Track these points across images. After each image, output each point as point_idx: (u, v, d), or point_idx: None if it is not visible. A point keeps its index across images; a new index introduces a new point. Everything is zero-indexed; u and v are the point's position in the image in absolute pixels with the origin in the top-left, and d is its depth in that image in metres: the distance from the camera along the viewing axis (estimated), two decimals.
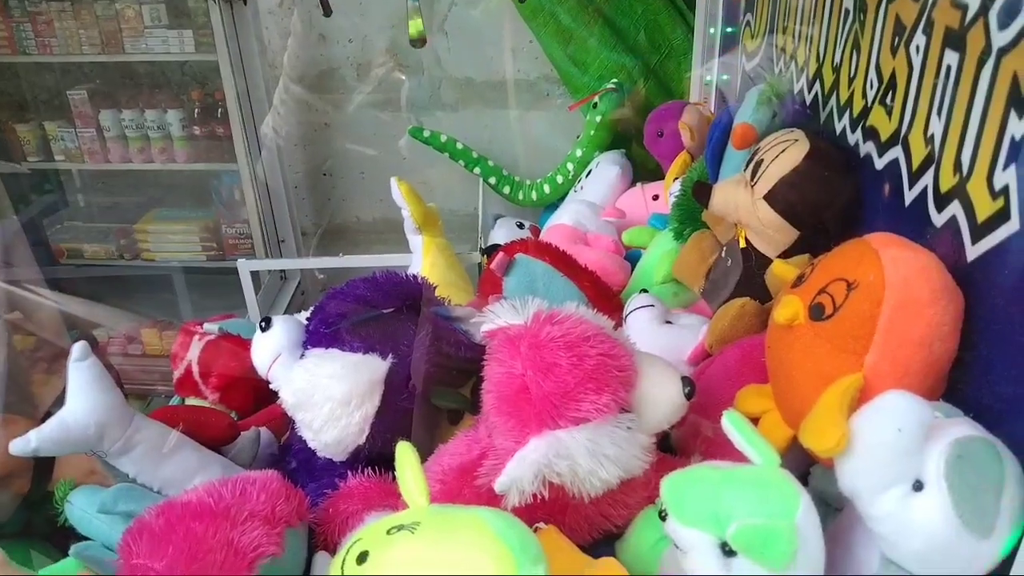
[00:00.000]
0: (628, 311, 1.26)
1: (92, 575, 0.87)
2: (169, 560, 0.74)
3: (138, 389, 2.71)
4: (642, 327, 1.21)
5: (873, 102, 0.98)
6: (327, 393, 0.93)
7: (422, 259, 1.60)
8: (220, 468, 1.03)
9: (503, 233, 2.15)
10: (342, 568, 0.67)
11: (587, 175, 2.19)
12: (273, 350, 1.06)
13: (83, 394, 0.92)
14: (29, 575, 0.82)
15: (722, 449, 0.73)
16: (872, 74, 0.98)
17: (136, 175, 2.90)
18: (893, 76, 0.92)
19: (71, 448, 0.93)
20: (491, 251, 1.96)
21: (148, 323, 2.95)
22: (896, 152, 0.91)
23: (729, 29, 1.89)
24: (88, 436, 0.92)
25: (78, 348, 0.94)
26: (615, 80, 2.27)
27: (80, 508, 0.92)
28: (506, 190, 2.44)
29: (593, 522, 0.90)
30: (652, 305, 1.24)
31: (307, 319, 1.05)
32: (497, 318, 0.86)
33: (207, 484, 0.85)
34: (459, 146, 2.40)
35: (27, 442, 0.89)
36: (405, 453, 0.75)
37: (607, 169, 2.13)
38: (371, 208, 2.94)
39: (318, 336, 1.01)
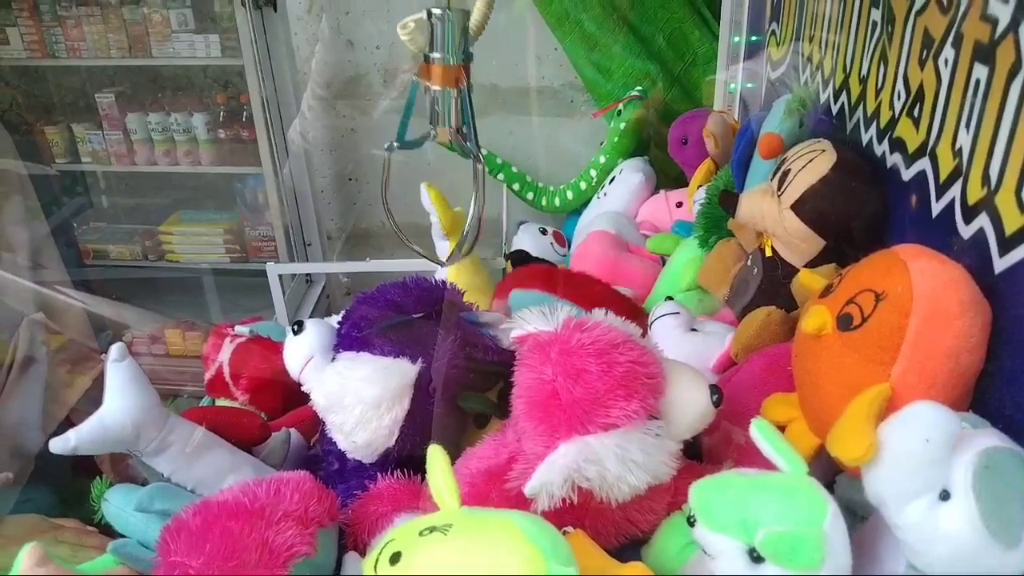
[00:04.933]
0: (653, 318, 1.26)
1: (129, 572, 0.89)
2: (206, 558, 0.75)
3: (162, 389, 2.74)
4: (668, 334, 1.21)
5: (900, 114, 0.98)
6: (358, 396, 0.94)
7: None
8: (252, 468, 1.04)
9: (526, 239, 2.16)
10: (375, 568, 0.68)
11: (610, 182, 2.20)
12: (305, 353, 1.07)
13: (121, 394, 0.94)
14: (69, 573, 0.84)
15: (753, 457, 0.74)
16: (900, 86, 0.99)
17: (161, 177, 2.94)
18: (921, 88, 0.92)
19: (109, 447, 0.94)
20: (515, 256, 1.97)
21: (172, 324, 2.98)
22: (924, 164, 0.91)
23: (754, 37, 1.89)
24: (125, 435, 0.94)
25: (116, 349, 0.95)
26: (639, 87, 2.27)
27: (117, 506, 0.93)
28: (529, 196, 2.45)
29: (620, 527, 0.90)
30: (678, 312, 1.25)
31: (338, 323, 1.07)
32: (527, 324, 0.87)
33: (242, 484, 0.87)
34: (483, 152, 2.40)
35: (66, 441, 0.90)
36: (436, 456, 0.76)
37: (630, 176, 2.13)
38: (396, 212, 2.95)
39: (349, 340, 1.02)
